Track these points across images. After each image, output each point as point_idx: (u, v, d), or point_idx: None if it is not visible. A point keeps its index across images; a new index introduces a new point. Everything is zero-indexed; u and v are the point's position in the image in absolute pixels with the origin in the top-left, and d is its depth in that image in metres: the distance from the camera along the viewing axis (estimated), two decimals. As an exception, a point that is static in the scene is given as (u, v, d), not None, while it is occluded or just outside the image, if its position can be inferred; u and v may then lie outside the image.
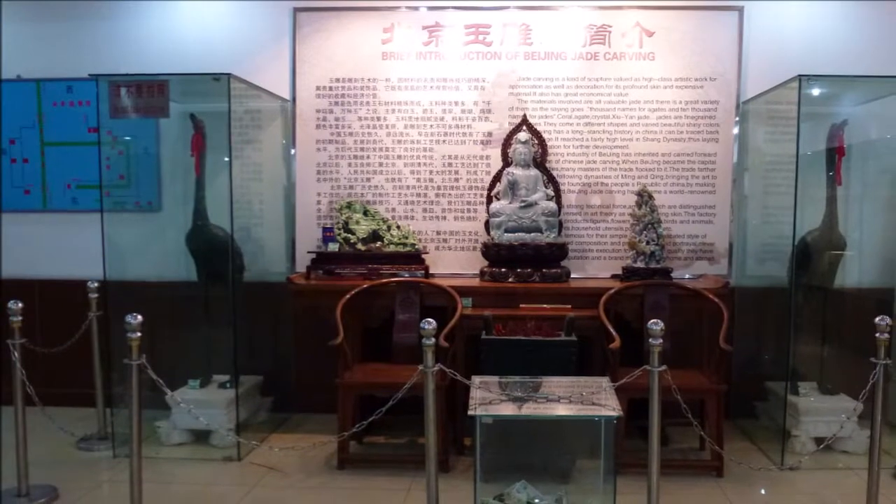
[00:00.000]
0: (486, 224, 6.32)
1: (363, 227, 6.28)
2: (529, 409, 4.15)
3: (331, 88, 6.61)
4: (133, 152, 6.70)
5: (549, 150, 6.44)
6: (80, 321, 5.96)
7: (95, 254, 5.82)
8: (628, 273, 6.14)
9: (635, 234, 6.16)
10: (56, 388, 6.20)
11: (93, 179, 6.51)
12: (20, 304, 4.99)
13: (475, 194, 6.57)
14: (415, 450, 5.76)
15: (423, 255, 6.30)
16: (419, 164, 6.59)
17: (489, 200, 6.37)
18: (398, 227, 6.43)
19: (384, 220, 6.42)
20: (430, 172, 6.60)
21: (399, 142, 6.59)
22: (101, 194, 6.00)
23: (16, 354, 4.90)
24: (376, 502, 4.95)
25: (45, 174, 6.88)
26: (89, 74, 5.84)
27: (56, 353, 5.71)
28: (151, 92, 5.65)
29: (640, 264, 6.11)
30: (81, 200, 6.85)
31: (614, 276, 6.38)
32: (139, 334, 4.12)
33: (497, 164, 6.45)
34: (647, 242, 6.08)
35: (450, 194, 6.61)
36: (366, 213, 6.40)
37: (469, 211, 6.60)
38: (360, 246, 6.22)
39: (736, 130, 6.45)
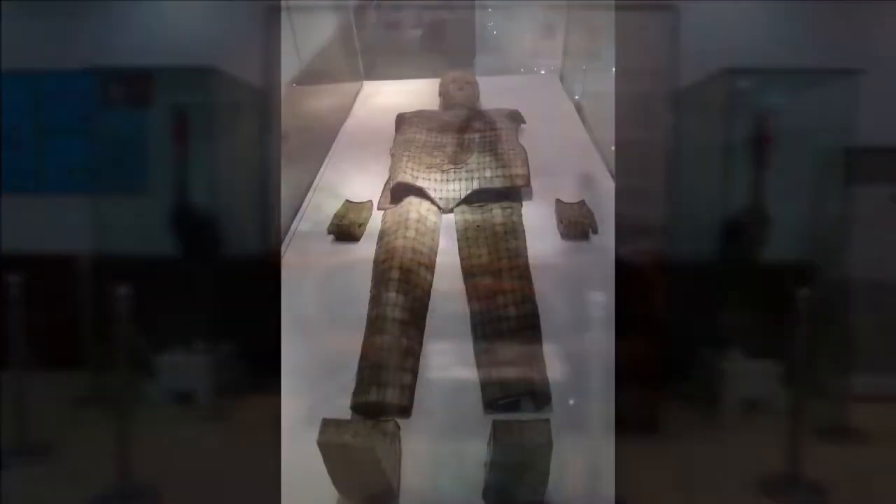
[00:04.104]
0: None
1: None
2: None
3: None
4: (122, 139, 6.53)
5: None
6: (75, 292, 5.91)
7: (88, 231, 5.78)
8: (574, 249, 6.06)
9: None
10: (52, 354, 6.11)
11: (85, 163, 6.45)
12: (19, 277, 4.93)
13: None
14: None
15: (392, 234, 6.20)
16: (387, 150, 6.46)
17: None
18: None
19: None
20: (397, 158, 6.47)
21: (369, 129, 6.48)
22: (93, 177, 5.90)
23: (15, 322, 4.89)
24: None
25: (41, 159, 6.75)
26: (82, 67, 5.73)
27: (52, 321, 5.66)
28: (140, 83, 5.63)
29: (585, 241, 6.05)
30: (74, 183, 6.68)
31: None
32: (128, 304, 4.09)
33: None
34: (591, 221, 6.04)
35: (414, 178, 6.49)
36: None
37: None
38: (333, 226, 6.12)
39: (671, 120, 6.38)
